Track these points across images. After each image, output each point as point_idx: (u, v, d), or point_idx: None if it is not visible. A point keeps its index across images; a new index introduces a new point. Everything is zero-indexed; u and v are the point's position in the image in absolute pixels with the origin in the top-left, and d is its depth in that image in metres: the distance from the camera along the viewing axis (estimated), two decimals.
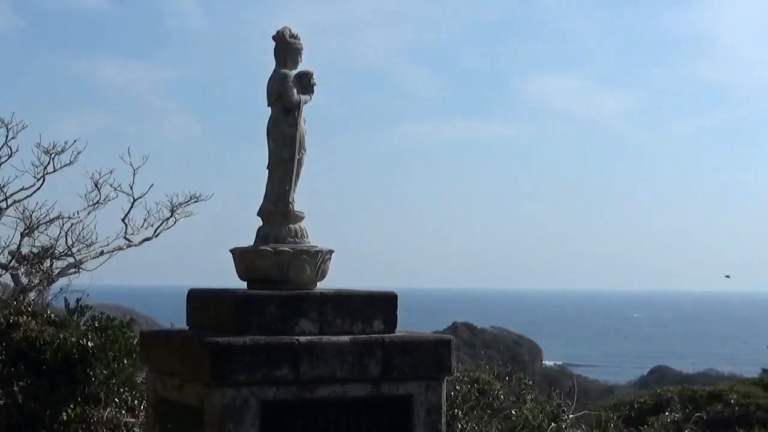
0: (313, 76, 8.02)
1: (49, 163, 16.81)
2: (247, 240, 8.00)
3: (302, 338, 7.22)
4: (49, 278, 16.13)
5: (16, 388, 12.08)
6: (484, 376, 15.73)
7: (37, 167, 16.75)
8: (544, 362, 72.08)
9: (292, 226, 7.89)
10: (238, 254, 7.90)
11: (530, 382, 16.82)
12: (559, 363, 75.83)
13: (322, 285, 7.97)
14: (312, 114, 8.09)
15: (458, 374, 14.57)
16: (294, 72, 8.00)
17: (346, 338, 7.36)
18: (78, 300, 13.91)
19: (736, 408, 22.84)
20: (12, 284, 15.84)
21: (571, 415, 15.98)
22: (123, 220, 17.60)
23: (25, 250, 16.43)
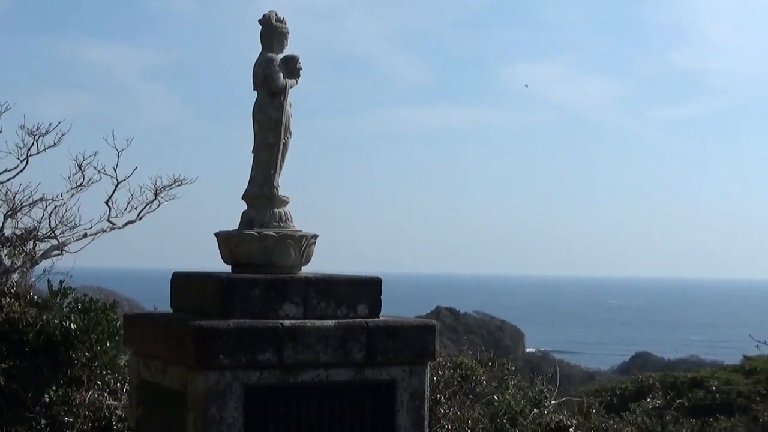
0: (299, 60, 8.01)
1: (32, 144, 16.81)
2: (232, 224, 8.01)
3: (286, 322, 7.22)
4: (33, 260, 16.10)
5: None
6: (466, 361, 15.78)
7: (20, 149, 16.76)
8: (526, 348, 72.25)
9: (276, 210, 7.89)
10: (223, 238, 7.90)
11: (513, 368, 16.88)
12: (542, 349, 75.96)
13: (307, 269, 7.97)
14: (297, 98, 8.09)
15: (441, 359, 14.59)
16: (280, 56, 7.99)
17: (330, 322, 7.36)
18: (61, 282, 13.89)
19: (718, 395, 23.01)
20: None
21: (553, 401, 16.07)
22: (106, 202, 17.61)
23: (8, 232, 16.42)
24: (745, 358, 28.52)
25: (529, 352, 67.69)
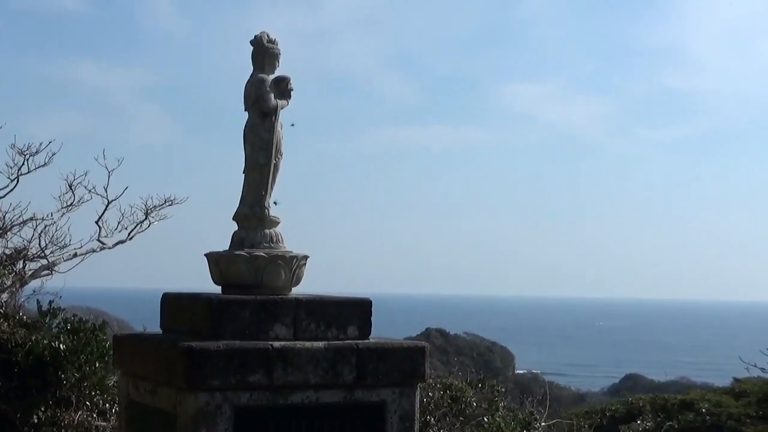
0: (291, 81, 8.02)
1: (23, 164, 16.80)
2: (222, 244, 8.00)
3: (276, 343, 7.21)
4: (22, 280, 16.07)
5: None
6: (456, 382, 15.76)
7: (11, 168, 16.75)
8: (516, 369, 72.17)
9: (267, 231, 7.89)
10: (213, 259, 7.89)
11: (503, 389, 16.86)
12: (532, 370, 75.88)
13: (297, 290, 7.96)
14: (288, 118, 8.09)
15: (431, 381, 14.57)
16: (271, 77, 8.00)
17: (320, 344, 7.35)
18: (50, 302, 13.87)
19: (708, 417, 22.98)
20: None
21: (543, 423, 16.04)
22: (97, 222, 17.59)
23: None
24: (735, 380, 28.49)
25: (518, 374, 67.58)
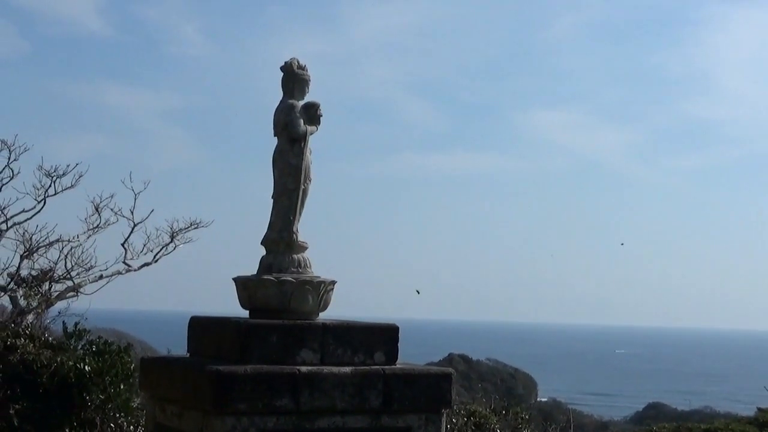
0: (320, 107, 8.04)
1: (50, 186, 16.89)
2: (250, 268, 8.01)
3: (303, 368, 7.21)
4: (48, 301, 16.13)
5: (12, 411, 12.07)
6: (480, 409, 15.73)
7: (38, 190, 16.82)
8: (538, 397, 71.89)
9: (295, 256, 7.90)
10: (241, 283, 7.90)
11: (526, 417, 16.83)
12: (554, 397, 75.55)
13: (324, 315, 7.97)
14: (316, 144, 8.11)
15: (455, 407, 14.54)
16: (301, 103, 8.02)
17: (347, 369, 7.35)
18: (76, 324, 13.93)
19: None
20: (10, 306, 15.85)
21: None
22: (123, 244, 17.64)
23: (24, 273, 16.46)
24: (759, 410, 28.30)
25: (541, 401, 67.29)
